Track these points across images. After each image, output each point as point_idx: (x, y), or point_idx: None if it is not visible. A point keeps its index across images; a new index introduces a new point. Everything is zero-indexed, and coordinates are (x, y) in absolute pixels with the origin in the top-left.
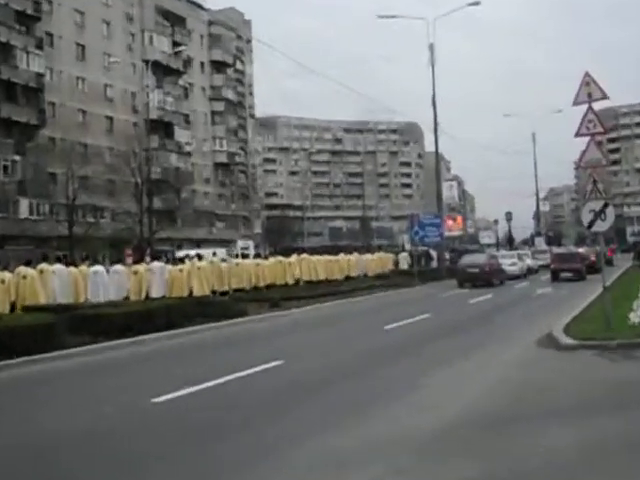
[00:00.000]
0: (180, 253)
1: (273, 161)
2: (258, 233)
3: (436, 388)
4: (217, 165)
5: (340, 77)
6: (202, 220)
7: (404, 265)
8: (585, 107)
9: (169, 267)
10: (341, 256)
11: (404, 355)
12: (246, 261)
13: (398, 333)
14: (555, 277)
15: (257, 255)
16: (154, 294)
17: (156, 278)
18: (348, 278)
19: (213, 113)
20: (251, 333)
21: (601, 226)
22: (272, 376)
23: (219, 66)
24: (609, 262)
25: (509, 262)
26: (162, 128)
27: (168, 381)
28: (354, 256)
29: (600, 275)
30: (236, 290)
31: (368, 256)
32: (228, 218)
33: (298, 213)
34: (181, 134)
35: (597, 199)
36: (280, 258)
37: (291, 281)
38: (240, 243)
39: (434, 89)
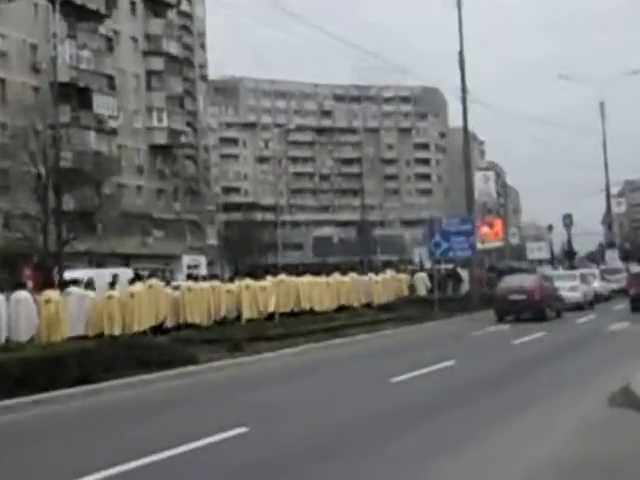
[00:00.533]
0: (71, 274)
1: (234, 142)
2: (212, 245)
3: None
4: (154, 148)
5: (329, 25)
6: (133, 227)
7: (422, 290)
8: None
9: (91, 294)
10: (333, 277)
11: (416, 423)
12: (203, 285)
13: (409, 389)
14: (636, 306)
15: (213, 277)
16: (69, 332)
17: (73, 309)
18: (342, 308)
19: (149, 74)
20: (202, 388)
21: None
22: (231, 450)
23: (157, 6)
24: None
25: (569, 286)
26: (75, 95)
27: (80, 460)
28: (351, 277)
29: None
30: (187, 326)
31: (372, 277)
32: (170, 224)
33: (270, 216)
34: (103, 104)
35: None
36: (248, 281)
37: (258, 314)
38: (187, 259)
39: (461, 39)
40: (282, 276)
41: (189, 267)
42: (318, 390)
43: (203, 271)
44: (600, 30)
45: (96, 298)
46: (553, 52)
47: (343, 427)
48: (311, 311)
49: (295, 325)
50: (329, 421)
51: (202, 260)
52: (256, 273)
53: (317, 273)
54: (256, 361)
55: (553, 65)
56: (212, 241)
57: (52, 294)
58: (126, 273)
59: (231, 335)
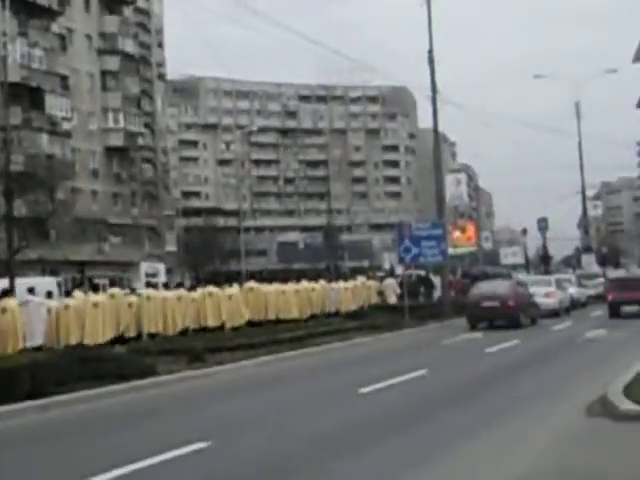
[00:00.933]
0: None
1: (194, 144)
2: (172, 252)
3: None
4: (110, 151)
5: (295, 23)
6: (88, 233)
7: (391, 297)
8: None
9: (51, 303)
10: (302, 285)
11: (383, 436)
12: (167, 294)
13: (377, 400)
14: (615, 312)
15: (179, 285)
16: (28, 342)
17: (31, 319)
18: (310, 317)
19: (104, 74)
20: (161, 401)
21: None
22: (191, 465)
23: (112, 3)
24: None
25: (544, 292)
26: (27, 96)
27: None
28: (321, 285)
29: None
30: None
31: (341, 285)
32: (127, 230)
33: (232, 222)
34: (56, 105)
35: None
36: (212, 289)
37: (225, 323)
38: (145, 267)
39: (431, 37)
40: (251, 283)
41: (147, 275)
42: (282, 402)
43: (162, 279)
44: (579, 30)
45: (56, 307)
46: (529, 52)
47: (307, 441)
48: (277, 320)
49: (259, 335)
50: (293, 435)
51: (161, 268)
52: (219, 281)
53: (285, 280)
54: (218, 372)
55: (529, 65)
56: (171, 248)
57: (8, 303)
58: (47, 284)
59: (192, 346)
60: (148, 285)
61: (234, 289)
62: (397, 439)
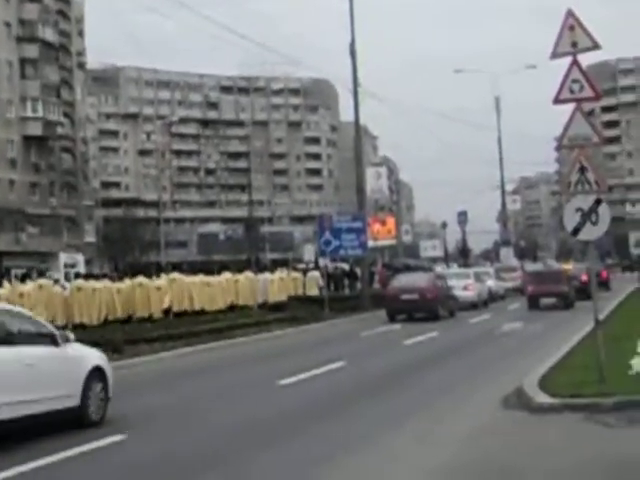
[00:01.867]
0: None
1: (114, 134)
2: (91, 243)
3: None
4: (28, 140)
5: (217, 14)
6: (5, 223)
7: (314, 290)
8: (568, 61)
9: None
10: (225, 276)
11: (299, 429)
12: (97, 284)
13: (296, 392)
14: (533, 305)
15: (104, 276)
16: None
17: None
18: (234, 308)
19: (23, 62)
20: None
21: (592, 232)
22: (107, 458)
23: None
24: (604, 285)
25: (462, 284)
26: None
27: None
28: (246, 276)
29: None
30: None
31: (267, 276)
32: (45, 220)
33: (152, 213)
34: None
35: (586, 193)
36: (142, 280)
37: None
38: (64, 257)
39: (353, 28)
40: (175, 274)
41: (66, 266)
42: (199, 395)
43: (81, 270)
44: (502, 25)
45: None
46: (452, 47)
47: (223, 433)
48: (202, 311)
49: (178, 326)
50: (209, 427)
51: (80, 258)
52: (137, 272)
53: (209, 272)
54: (135, 364)
55: (454, 59)
56: (90, 238)
57: None
58: None
59: (111, 337)
60: (77, 276)
61: (162, 281)
62: (312, 431)
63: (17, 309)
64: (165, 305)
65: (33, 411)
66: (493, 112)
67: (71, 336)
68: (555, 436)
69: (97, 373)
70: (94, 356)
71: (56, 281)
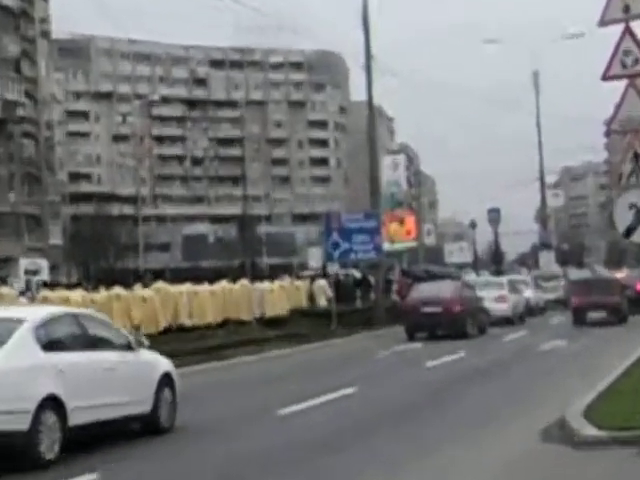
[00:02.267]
0: None
1: (84, 116)
2: (56, 245)
3: None
4: None
5: None
6: None
7: (322, 301)
8: (620, 29)
9: None
10: (219, 285)
11: (299, 467)
12: (70, 294)
13: (298, 423)
14: (579, 319)
15: (78, 285)
16: None
17: None
18: (225, 323)
19: None
20: None
21: None
22: None
23: None
24: None
25: (495, 295)
26: None
27: None
28: (241, 285)
29: None
30: None
31: (266, 285)
32: (3, 219)
33: (128, 210)
34: None
35: None
36: (118, 290)
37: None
38: (24, 263)
39: None
40: (160, 284)
41: (27, 272)
42: (187, 425)
43: (45, 277)
44: None
45: None
46: (477, 15)
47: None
48: (193, 327)
49: (160, 344)
50: (199, 462)
51: (43, 264)
52: (112, 281)
53: (197, 280)
54: None
55: (484, 29)
56: (56, 240)
57: None
58: None
59: None
60: (45, 285)
61: (149, 291)
62: (314, 469)
63: (96, 314)
64: (162, 325)
65: (108, 416)
66: (530, 90)
67: (145, 341)
68: (601, 475)
69: (166, 379)
70: (164, 362)
71: (22, 293)
